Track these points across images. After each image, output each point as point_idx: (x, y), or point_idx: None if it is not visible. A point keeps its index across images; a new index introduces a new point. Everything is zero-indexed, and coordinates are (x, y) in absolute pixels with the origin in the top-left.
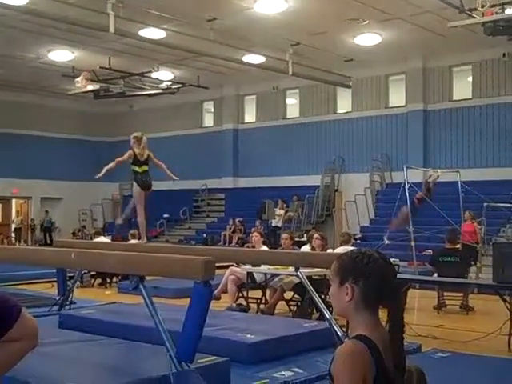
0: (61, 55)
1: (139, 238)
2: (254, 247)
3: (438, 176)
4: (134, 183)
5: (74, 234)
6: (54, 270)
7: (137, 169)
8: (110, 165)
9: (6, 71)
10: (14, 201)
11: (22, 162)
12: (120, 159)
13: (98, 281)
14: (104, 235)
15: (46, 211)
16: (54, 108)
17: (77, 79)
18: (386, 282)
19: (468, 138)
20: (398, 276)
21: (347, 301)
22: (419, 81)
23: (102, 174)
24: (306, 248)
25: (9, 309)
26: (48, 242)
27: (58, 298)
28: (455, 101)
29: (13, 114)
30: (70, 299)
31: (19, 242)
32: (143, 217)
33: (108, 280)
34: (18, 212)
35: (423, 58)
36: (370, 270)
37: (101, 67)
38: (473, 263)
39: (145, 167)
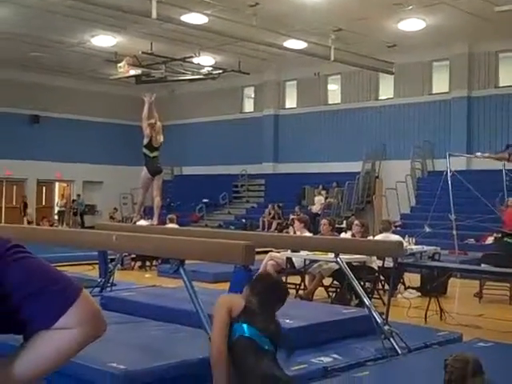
0: (104, 40)
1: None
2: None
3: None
4: (144, 168)
5: (111, 217)
6: (94, 253)
7: (148, 153)
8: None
9: (50, 56)
10: (57, 184)
11: (65, 146)
12: (145, 121)
13: (139, 264)
14: (144, 219)
15: (78, 195)
16: (96, 93)
17: (119, 64)
18: None
19: None
20: (440, 265)
21: None
22: (464, 67)
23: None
24: (345, 235)
25: (62, 290)
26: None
27: (99, 280)
28: (501, 87)
29: (55, 98)
30: (111, 281)
31: (62, 224)
32: (142, 199)
33: (148, 263)
34: (62, 195)
35: (468, 43)
36: None
37: (143, 52)
38: None
39: (156, 153)
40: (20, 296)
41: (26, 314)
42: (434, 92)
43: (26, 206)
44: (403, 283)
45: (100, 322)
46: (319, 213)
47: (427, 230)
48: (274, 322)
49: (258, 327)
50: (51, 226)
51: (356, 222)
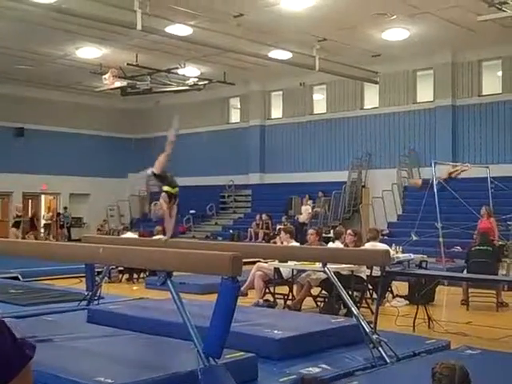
0: (88, 52)
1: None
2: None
3: (462, 170)
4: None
5: (99, 229)
6: (82, 266)
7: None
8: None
9: (35, 68)
10: (43, 197)
11: (51, 158)
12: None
13: (126, 276)
14: (131, 231)
15: (65, 208)
16: (81, 105)
17: (104, 76)
18: None
19: (498, 133)
20: (427, 273)
21: None
22: (447, 76)
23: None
24: (333, 245)
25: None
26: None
27: (86, 293)
28: (484, 96)
29: (40, 110)
30: (98, 294)
31: (48, 237)
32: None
33: (135, 275)
34: (48, 208)
35: (452, 52)
36: None
37: (128, 64)
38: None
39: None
40: None
41: None
42: (418, 101)
43: (33, 218)
44: (391, 292)
45: None
46: (306, 222)
47: (414, 238)
48: None
49: None
50: (37, 239)
51: (349, 231)
